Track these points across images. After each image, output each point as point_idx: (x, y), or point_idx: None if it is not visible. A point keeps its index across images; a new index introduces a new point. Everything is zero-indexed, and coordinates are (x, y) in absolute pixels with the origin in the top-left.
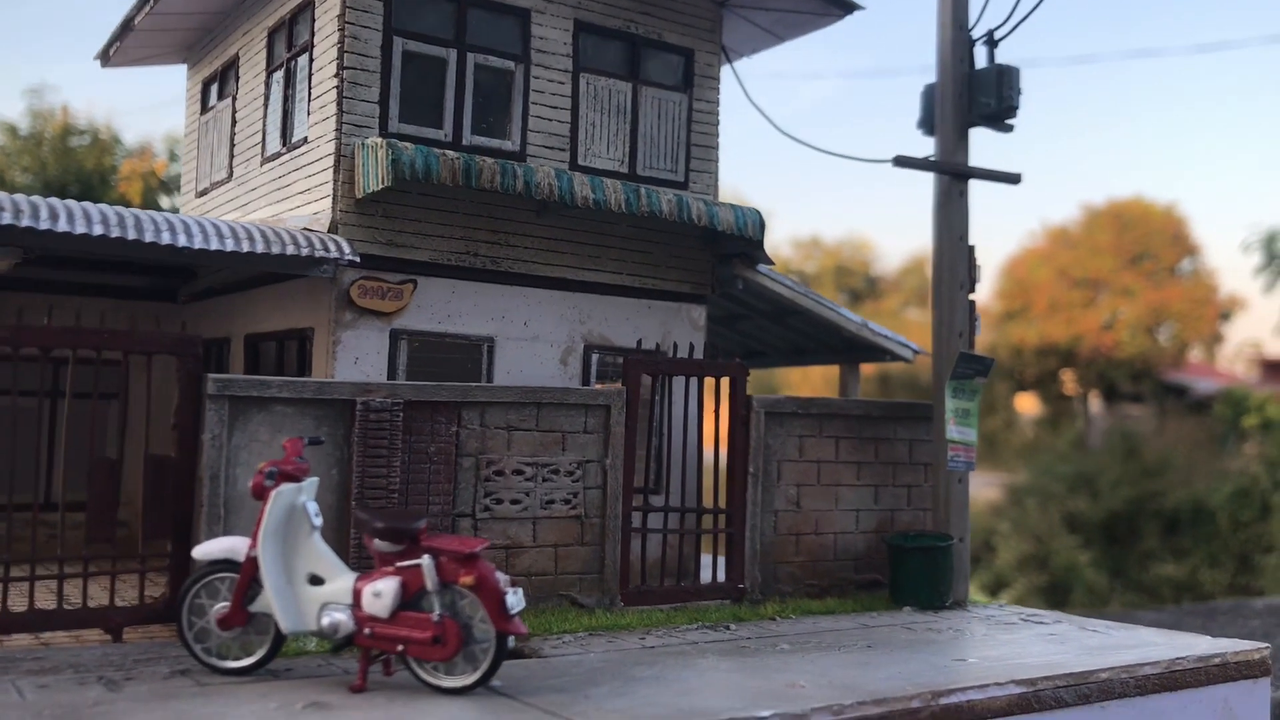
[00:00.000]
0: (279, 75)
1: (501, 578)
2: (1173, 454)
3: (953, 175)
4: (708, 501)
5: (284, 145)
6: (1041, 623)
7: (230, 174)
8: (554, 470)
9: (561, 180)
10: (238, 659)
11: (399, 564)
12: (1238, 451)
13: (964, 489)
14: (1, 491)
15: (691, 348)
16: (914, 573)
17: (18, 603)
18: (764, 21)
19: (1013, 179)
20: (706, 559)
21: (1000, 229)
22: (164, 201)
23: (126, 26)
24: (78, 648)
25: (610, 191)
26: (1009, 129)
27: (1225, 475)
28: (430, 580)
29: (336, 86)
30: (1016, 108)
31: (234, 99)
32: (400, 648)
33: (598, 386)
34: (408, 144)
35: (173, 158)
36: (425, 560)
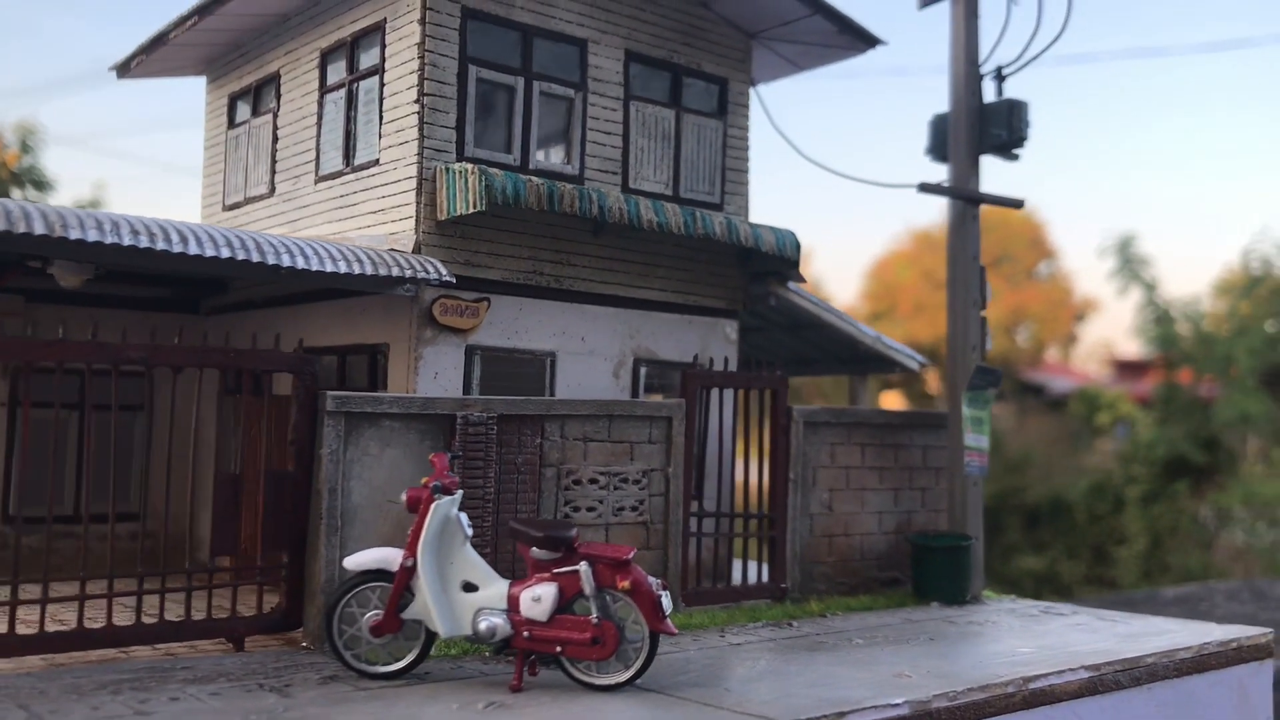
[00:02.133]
0: (337, 96)
1: (653, 581)
2: (1033, 450)
3: (967, 200)
4: (738, 507)
5: (346, 165)
6: (1061, 614)
7: (272, 190)
8: (623, 479)
9: (630, 204)
10: (386, 664)
11: (555, 570)
12: (1092, 448)
13: (978, 491)
14: (98, 503)
15: (726, 361)
16: (939, 570)
17: (149, 615)
18: (789, 53)
19: (1017, 204)
20: (737, 562)
21: (867, 232)
22: (15, 194)
23: (159, 41)
24: (204, 657)
25: (671, 214)
26: (1016, 158)
27: (1082, 471)
28: (588, 585)
29: (417, 112)
30: (1026, 139)
31: (275, 116)
32: (559, 649)
33: (656, 399)
34: (496, 170)
35: (25, 149)
36: (583, 566)
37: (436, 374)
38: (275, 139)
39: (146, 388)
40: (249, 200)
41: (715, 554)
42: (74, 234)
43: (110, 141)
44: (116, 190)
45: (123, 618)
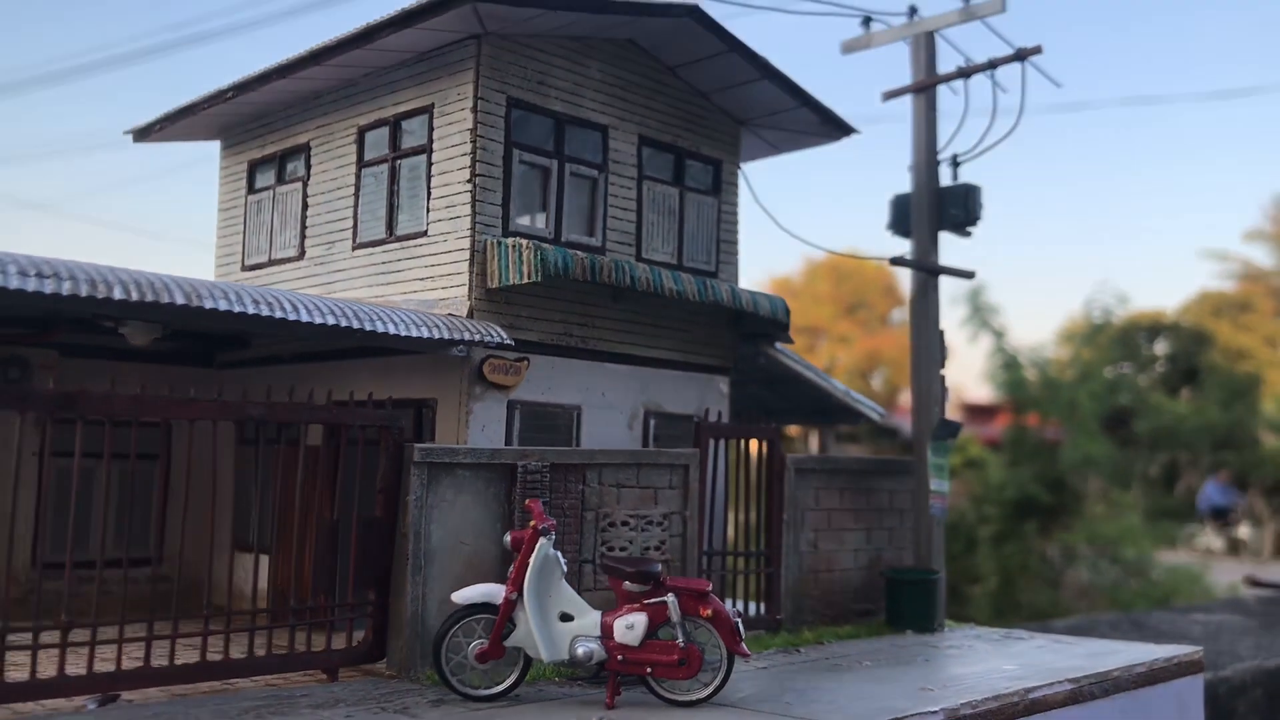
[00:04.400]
0: (378, 170)
1: (730, 609)
2: None
3: (928, 272)
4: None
5: (389, 234)
6: (1021, 639)
7: (302, 253)
8: (649, 521)
9: (654, 275)
10: (487, 688)
11: (645, 601)
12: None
13: (941, 531)
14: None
15: (720, 414)
16: (911, 602)
17: (255, 647)
18: (772, 139)
19: (969, 275)
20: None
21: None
22: None
23: (187, 111)
24: (309, 686)
25: (687, 283)
26: (970, 235)
27: None
28: (675, 613)
29: (470, 190)
30: (980, 218)
31: (305, 184)
32: (648, 670)
33: (650, 448)
34: (545, 243)
35: None
36: (670, 598)
37: (484, 426)
38: (305, 205)
39: (164, 439)
40: (274, 261)
41: (720, 589)
42: (208, 304)
43: None
44: None
45: (177, 656)
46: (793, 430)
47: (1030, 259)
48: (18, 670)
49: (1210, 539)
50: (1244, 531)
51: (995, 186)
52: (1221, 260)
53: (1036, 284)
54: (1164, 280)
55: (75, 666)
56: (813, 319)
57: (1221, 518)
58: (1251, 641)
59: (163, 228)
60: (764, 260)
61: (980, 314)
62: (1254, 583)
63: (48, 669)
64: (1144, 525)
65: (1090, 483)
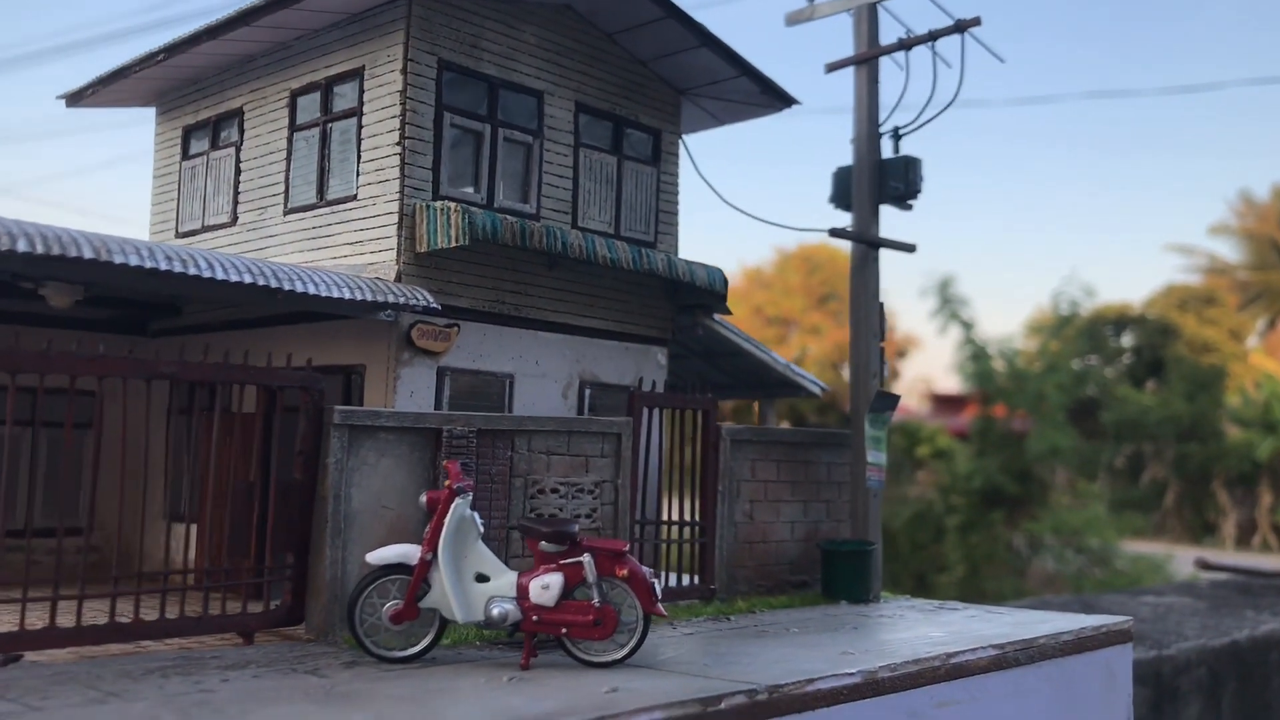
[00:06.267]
0: (310, 134)
1: (646, 570)
2: None
3: (869, 244)
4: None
5: (319, 199)
6: (954, 609)
7: (235, 219)
8: (580, 489)
9: (588, 241)
10: (401, 649)
11: (561, 561)
12: (913, 479)
13: (877, 503)
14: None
15: (655, 384)
16: (846, 573)
17: (171, 611)
18: (713, 109)
19: (910, 248)
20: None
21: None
22: None
23: (119, 74)
24: (221, 649)
25: (621, 251)
26: (910, 208)
27: (904, 501)
28: (590, 574)
29: (399, 153)
30: (920, 191)
31: (238, 149)
32: (564, 630)
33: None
34: (475, 208)
35: None
36: (586, 558)
37: (413, 392)
38: (238, 171)
39: (98, 407)
40: (207, 228)
41: (654, 558)
42: (118, 259)
43: None
44: None
45: (93, 619)
46: (726, 409)
47: (999, 252)
48: None
49: None
50: None
51: (965, 179)
52: (1187, 254)
53: (1005, 276)
54: (1130, 273)
55: None
56: (784, 310)
57: None
58: (1198, 622)
59: (89, 204)
60: (736, 250)
61: (949, 306)
62: (1206, 566)
63: None
64: (1109, 515)
65: (1056, 473)
